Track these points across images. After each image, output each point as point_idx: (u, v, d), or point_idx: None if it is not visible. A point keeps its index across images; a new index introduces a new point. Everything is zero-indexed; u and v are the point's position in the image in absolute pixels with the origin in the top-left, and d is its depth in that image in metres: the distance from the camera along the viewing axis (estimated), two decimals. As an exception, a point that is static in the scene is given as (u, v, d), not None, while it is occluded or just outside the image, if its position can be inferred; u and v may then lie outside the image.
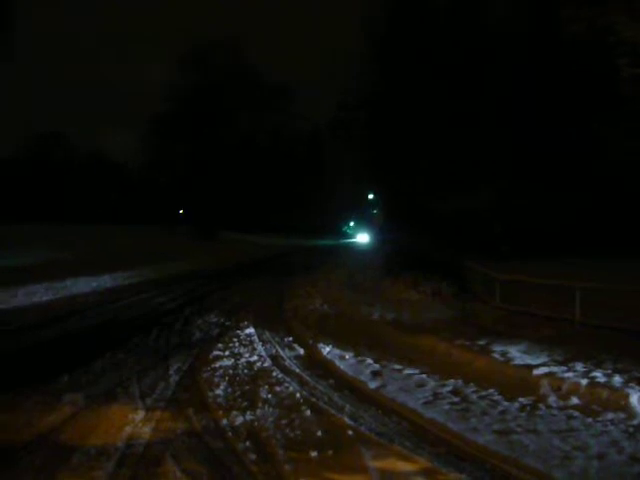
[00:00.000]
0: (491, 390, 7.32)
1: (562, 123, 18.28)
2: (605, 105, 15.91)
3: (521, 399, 6.96)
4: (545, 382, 7.40)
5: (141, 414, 6.19)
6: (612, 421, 6.22)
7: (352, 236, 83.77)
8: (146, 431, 5.69)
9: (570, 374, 7.59)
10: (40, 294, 15.48)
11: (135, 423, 5.91)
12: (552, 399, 6.97)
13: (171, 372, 8.02)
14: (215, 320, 12.45)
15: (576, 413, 6.50)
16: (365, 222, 67.82)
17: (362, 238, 79.74)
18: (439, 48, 21.11)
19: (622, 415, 6.38)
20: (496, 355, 8.80)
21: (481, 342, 9.63)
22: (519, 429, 5.99)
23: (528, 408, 6.67)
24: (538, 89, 18.50)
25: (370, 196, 47.94)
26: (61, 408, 6.33)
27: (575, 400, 6.88)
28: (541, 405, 6.78)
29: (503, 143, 19.27)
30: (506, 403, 6.84)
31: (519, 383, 7.55)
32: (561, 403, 6.85)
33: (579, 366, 7.97)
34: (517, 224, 19.24)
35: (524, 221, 19.14)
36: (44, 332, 10.91)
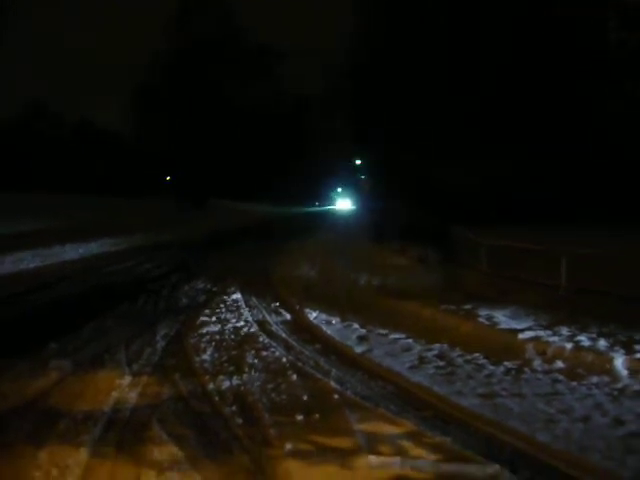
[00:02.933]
0: (476, 354, 7.35)
1: (552, 90, 18.20)
2: (593, 69, 15.87)
3: (506, 363, 7.00)
4: (530, 346, 7.45)
5: (128, 379, 6.19)
6: (596, 384, 6.26)
7: (337, 203, 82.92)
8: (133, 396, 5.70)
9: (555, 338, 7.64)
10: (27, 261, 15.41)
11: (122, 388, 5.91)
12: (537, 363, 7.01)
13: (158, 338, 8.02)
14: (202, 286, 12.44)
15: (561, 377, 6.54)
16: (353, 188, 67.45)
17: (343, 204, 78.63)
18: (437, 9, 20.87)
19: (606, 378, 6.43)
20: (482, 319, 8.85)
21: (467, 307, 9.67)
22: (504, 392, 6.03)
23: (513, 372, 6.71)
24: (530, 56, 18.39)
25: (357, 162, 47.75)
26: (48, 374, 6.31)
27: (560, 364, 6.93)
28: (526, 369, 6.82)
29: (492, 109, 19.18)
30: (491, 367, 6.88)
31: (504, 347, 7.59)
32: (546, 367, 6.89)
33: (564, 330, 8.02)
34: (506, 191, 19.22)
35: (513, 188, 19.12)
36: (31, 299, 10.90)
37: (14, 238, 19.15)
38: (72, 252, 17.54)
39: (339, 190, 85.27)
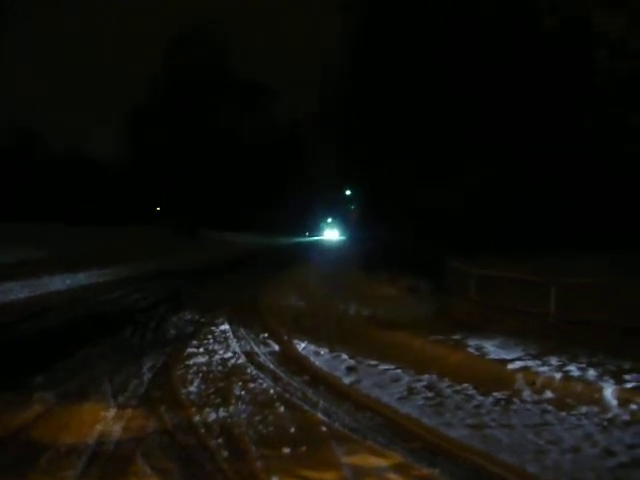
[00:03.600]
0: (465, 384, 7.32)
1: (545, 116, 18.32)
2: (583, 93, 16.04)
3: (495, 393, 6.96)
4: (519, 376, 7.42)
5: (112, 412, 6.09)
6: (586, 415, 6.24)
7: (325, 233, 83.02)
8: (117, 429, 5.60)
9: (544, 368, 7.63)
10: (16, 291, 15.27)
11: (106, 421, 5.81)
12: (526, 393, 6.98)
13: (144, 370, 7.92)
14: (190, 317, 12.35)
15: (550, 407, 6.52)
16: (342, 219, 67.76)
17: (331, 235, 78.69)
18: (422, 33, 21.05)
19: (596, 409, 6.41)
20: (471, 350, 8.83)
21: (456, 337, 9.65)
22: (493, 423, 5.99)
23: (502, 402, 6.67)
24: (521, 80, 18.52)
25: (347, 192, 47.98)
26: (32, 406, 6.21)
27: (549, 394, 6.90)
28: (515, 399, 6.79)
29: (482, 136, 19.28)
30: (480, 397, 6.84)
31: (494, 377, 7.56)
32: (535, 397, 6.87)
33: (554, 360, 8.01)
34: (497, 218, 19.26)
35: (504, 216, 19.17)
36: (18, 330, 10.78)
37: (2, 269, 19.04)
38: (60, 283, 17.42)
39: (329, 220, 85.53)
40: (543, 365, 7.79)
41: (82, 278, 19.13)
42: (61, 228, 39.39)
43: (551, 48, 17.67)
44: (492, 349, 8.83)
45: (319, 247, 49.49)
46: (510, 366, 7.82)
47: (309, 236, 79.68)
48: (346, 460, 4.93)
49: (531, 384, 7.22)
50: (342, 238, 62.12)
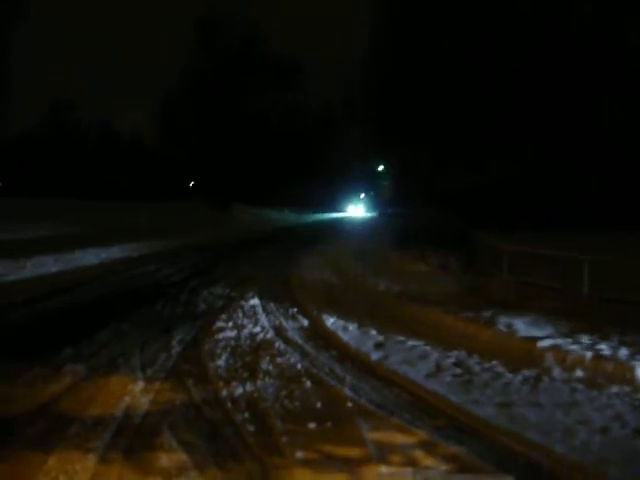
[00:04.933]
0: (495, 362, 7.24)
1: (573, 98, 18.03)
2: (611, 80, 15.72)
3: (525, 371, 6.88)
4: (549, 354, 7.31)
5: (141, 385, 6.16)
6: (617, 394, 6.14)
7: (350, 209, 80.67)
8: (144, 402, 5.66)
9: (575, 346, 7.49)
10: (49, 265, 15.48)
11: (134, 394, 5.88)
12: (556, 372, 6.89)
13: (174, 343, 7.99)
14: (220, 292, 12.40)
15: (580, 386, 6.42)
16: (374, 195, 67.23)
17: (356, 211, 75.68)
18: (450, 16, 20.79)
19: (627, 388, 6.29)
20: (501, 327, 8.72)
21: (486, 314, 9.53)
22: (521, 402, 5.92)
23: (531, 381, 6.60)
24: (552, 63, 18.23)
25: (380, 168, 47.67)
26: (62, 379, 6.30)
27: (579, 373, 6.80)
28: (545, 378, 6.70)
29: (516, 118, 19.04)
30: (509, 375, 6.77)
31: (523, 355, 7.47)
32: (565, 376, 6.77)
33: (585, 339, 7.86)
34: (529, 198, 19.04)
35: (536, 195, 18.94)
36: (50, 303, 10.91)
37: (36, 243, 19.34)
38: (93, 257, 17.61)
39: (361, 197, 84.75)
40: (574, 343, 7.65)
41: (116, 252, 19.32)
42: (95, 203, 39.86)
43: (582, 40, 17.32)
44: (522, 327, 8.71)
45: (350, 223, 49.31)
46: (540, 344, 7.70)
47: (341, 212, 78.75)
48: (371, 436, 4.92)
49: (561, 362, 7.11)
50: (369, 214, 60.90)
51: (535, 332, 8.34)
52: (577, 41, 17.63)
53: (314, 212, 67.85)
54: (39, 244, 19.06)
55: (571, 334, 8.13)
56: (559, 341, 7.78)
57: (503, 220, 17.44)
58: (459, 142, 20.34)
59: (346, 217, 65.59)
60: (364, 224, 45.21)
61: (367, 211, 71.33)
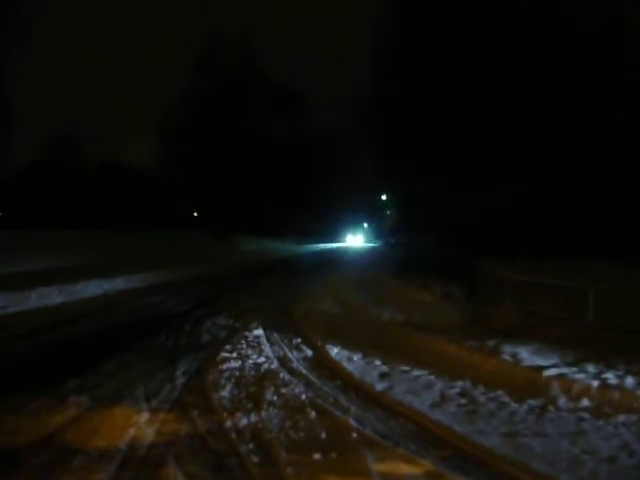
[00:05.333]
0: (500, 392, 7.22)
1: (575, 118, 18.10)
2: (610, 92, 15.82)
3: (530, 401, 6.86)
4: (555, 384, 7.29)
5: (145, 416, 6.15)
6: (623, 423, 6.11)
7: (348, 239, 79.23)
8: (149, 433, 5.65)
9: (581, 375, 7.47)
10: (53, 297, 15.51)
11: (139, 425, 5.87)
12: (562, 401, 6.86)
13: (178, 374, 7.97)
14: (224, 322, 12.39)
15: (586, 415, 6.39)
16: (376, 225, 67.17)
17: (355, 241, 74.22)
18: (453, 39, 20.97)
19: (634, 417, 6.26)
20: (506, 356, 8.69)
21: (491, 343, 9.52)
22: (527, 432, 5.90)
23: (537, 410, 6.57)
24: (552, 86, 18.36)
25: (383, 197, 47.83)
26: (66, 410, 6.30)
27: (586, 402, 6.77)
28: (550, 407, 6.67)
29: (517, 142, 19.11)
30: (515, 405, 6.74)
31: (528, 385, 7.44)
32: (571, 405, 6.74)
33: (590, 367, 7.84)
34: (531, 224, 19.06)
35: (538, 220, 18.96)
36: (54, 335, 10.91)
37: (40, 274, 19.39)
38: (96, 288, 17.64)
39: (363, 226, 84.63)
40: (579, 372, 7.63)
41: (119, 283, 19.34)
42: (97, 234, 40.03)
43: (584, 52, 17.48)
44: (527, 356, 8.68)
45: (351, 252, 49.32)
46: (545, 373, 7.68)
47: (341, 242, 78.25)
48: (377, 467, 4.90)
49: (567, 392, 7.08)
50: (370, 244, 60.29)
51: (540, 361, 8.32)
52: (586, 53, 17.69)
53: (315, 242, 67.80)
54: (42, 276, 19.12)
55: (576, 363, 8.11)
56: (564, 370, 7.75)
57: (505, 247, 17.45)
58: (461, 167, 20.41)
59: (347, 247, 65.11)
60: (365, 253, 45.22)
61: (367, 241, 70.63)
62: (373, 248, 53.73)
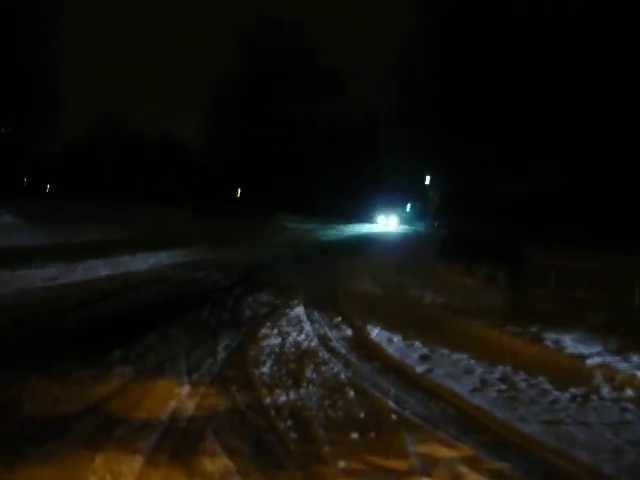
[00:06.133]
0: (541, 379, 7.13)
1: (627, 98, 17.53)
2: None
3: (572, 389, 6.76)
4: (598, 372, 7.18)
5: (186, 389, 6.23)
6: (668, 415, 5.99)
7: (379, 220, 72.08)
8: (190, 406, 5.72)
9: (625, 365, 7.35)
10: (98, 269, 15.76)
11: (180, 398, 5.95)
12: (605, 390, 6.75)
13: (219, 349, 8.06)
14: (265, 299, 12.48)
15: (630, 405, 6.28)
16: (421, 206, 66.17)
17: (387, 223, 62.98)
18: (504, 26, 20.53)
19: (679, 409, 6.14)
20: (548, 343, 8.59)
21: (533, 329, 9.40)
22: (569, 420, 5.82)
23: (579, 399, 6.47)
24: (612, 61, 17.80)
25: (427, 179, 47.36)
26: (110, 381, 6.41)
27: (630, 392, 6.64)
28: (593, 396, 6.57)
29: (573, 119, 18.60)
30: (556, 393, 6.66)
31: (571, 373, 7.34)
32: (614, 395, 6.63)
33: (635, 357, 7.70)
34: (583, 209, 18.62)
35: (590, 206, 18.52)
36: (99, 307, 11.09)
37: (86, 246, 19.76)
38: (141, 262, 17.87)
39: (408, 208, 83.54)
40: (624, 361, 7.51)
41: (164, 257, 19.56)
42: (144, 208, 40.60)
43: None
44: (570, 343, 8.56)
45: (392, 235, 49.00)
46: (589, 361, 7.57)
47: (375, 223, 76.16)
48: (415, 449, 4.89)
49: (610, 381, 6.97)
50: (404, 227, 54.81)
51: (583, 349, 8.20)
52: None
53: (354, 222, 67.31)
54: (90, 248, 19.47)
55: (621, 352, 7.97)
56: (608, 359, 7.63)
57: (553, 232, 17.13)
58: (510, 146, 19.99)
59: (384, 229, 63.27)
60: (406, 236, 44.90)
61: (405, 223, 64.24)
62: (415, 231, 52.97)
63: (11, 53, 32.41)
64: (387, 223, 61.44)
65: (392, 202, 68.60)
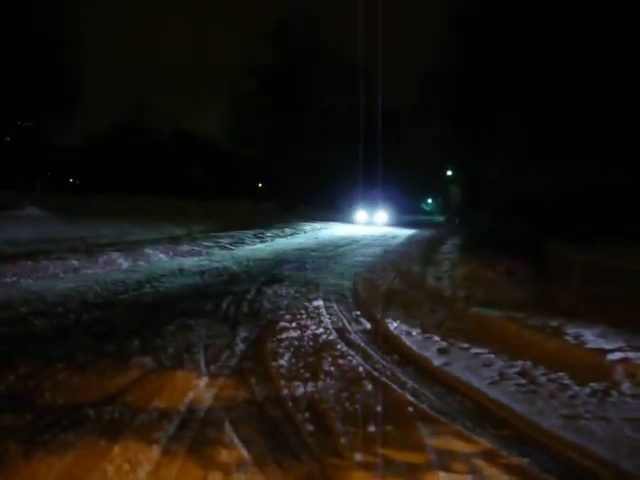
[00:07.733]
0: (561, 373, 7.07)
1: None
2: None
3: (592, 384, 6.69)
4: (619, 368, 7.09)
5: (205, 380, 6.27)
6: (690, 412, 5.91)
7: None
8: (208, 397, 5.76)
9: (647, 361, 7.25)
10: (120, 261, 15.87)
11: (198, 389, 5.99)
12: (625, 386, 6.67)
13: (237, 341, 8.09)
14: (285, 292, 12.49)
15: (651, 402, 6.21)
16: (443, 200, 65.71)
17: (376, 218, 49.03)
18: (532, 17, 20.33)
19: (701, 407, 6.06)
20: (569, 338, 8.50)
21: (554, 323, 9.31)
22: (588, 415, 5.77)
23: (599, 394, 6.41)
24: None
25: (449, 173, 47.13)
26: (129, 371, 6.47)
27: (651, 388, 6.57)
28: (613, 392, 6.50)
29: (598, 113, 18.39)
30: (576, 387, 6.60)
31: (591, 368, 7.26)
32: (635, 390, 6.54)
33: (658, 353, 7.60)
34: (602, 207, 18.44)
35: (616, 202, 18.31)
36: (119, 297, 11.18)
37: (108, 239, 19.93)
38: (162, 254, 17.97)
39: (429, 201, 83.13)
40: (646, 357, 7.41)
41: (185, 249, 19.63)
42: (168, 201, 40.92)
43: None
44: (591, 338, 8.47)
45: (418, 227, 48.71)
46: (610, 357, 7.48)
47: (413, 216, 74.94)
48: (432, 443, 4.88)
49: (631, 376, 6.89)
50: (386, 222, 46.03)
51: (604, 344, 8.10)
52: None
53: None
54: (110, 239, 19.66)
55: (643, 347, 7.86)
56: (630, 354, 7.53)
57: (573, 230, 16.95)
58: (538, 140, 19.80)
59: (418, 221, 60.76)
60: (427, 229, 44.64)
61: (389, 220, 51.77)
62: (436, 224, 52.38)
63: (32, 48, 32.67)
64: (371, 221, 47.71)
65: (383, 195, 60.91)
